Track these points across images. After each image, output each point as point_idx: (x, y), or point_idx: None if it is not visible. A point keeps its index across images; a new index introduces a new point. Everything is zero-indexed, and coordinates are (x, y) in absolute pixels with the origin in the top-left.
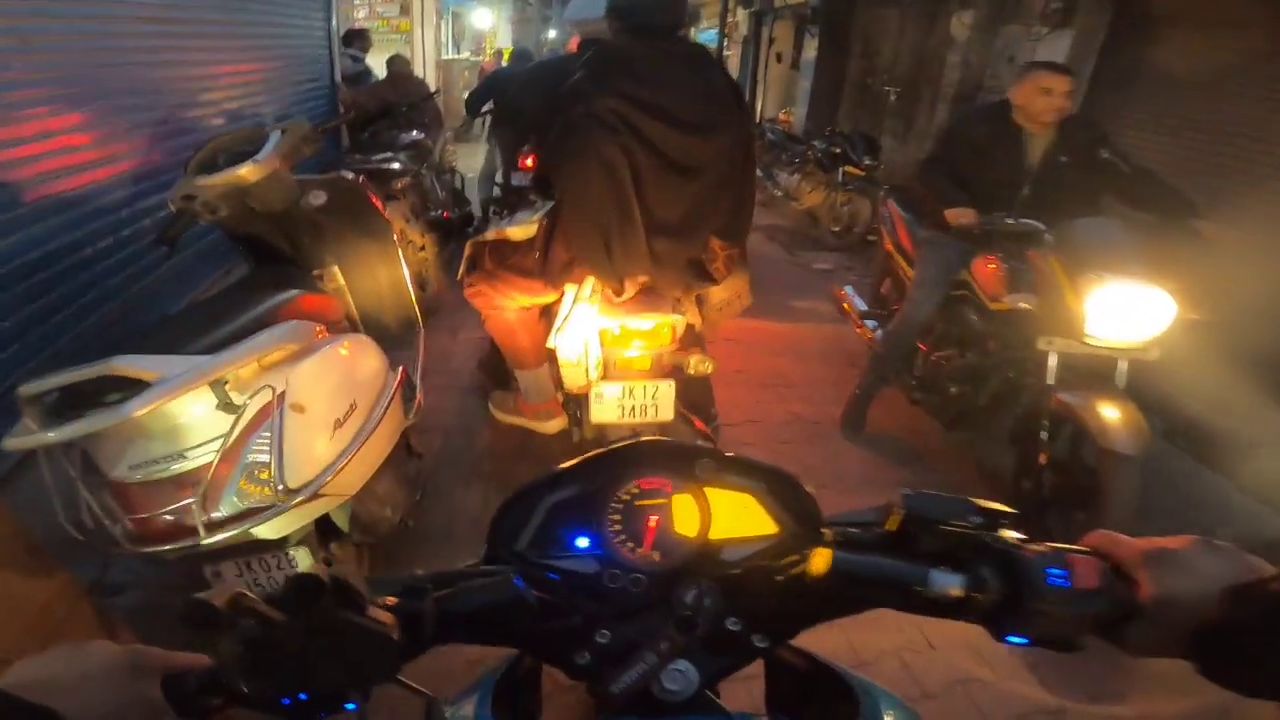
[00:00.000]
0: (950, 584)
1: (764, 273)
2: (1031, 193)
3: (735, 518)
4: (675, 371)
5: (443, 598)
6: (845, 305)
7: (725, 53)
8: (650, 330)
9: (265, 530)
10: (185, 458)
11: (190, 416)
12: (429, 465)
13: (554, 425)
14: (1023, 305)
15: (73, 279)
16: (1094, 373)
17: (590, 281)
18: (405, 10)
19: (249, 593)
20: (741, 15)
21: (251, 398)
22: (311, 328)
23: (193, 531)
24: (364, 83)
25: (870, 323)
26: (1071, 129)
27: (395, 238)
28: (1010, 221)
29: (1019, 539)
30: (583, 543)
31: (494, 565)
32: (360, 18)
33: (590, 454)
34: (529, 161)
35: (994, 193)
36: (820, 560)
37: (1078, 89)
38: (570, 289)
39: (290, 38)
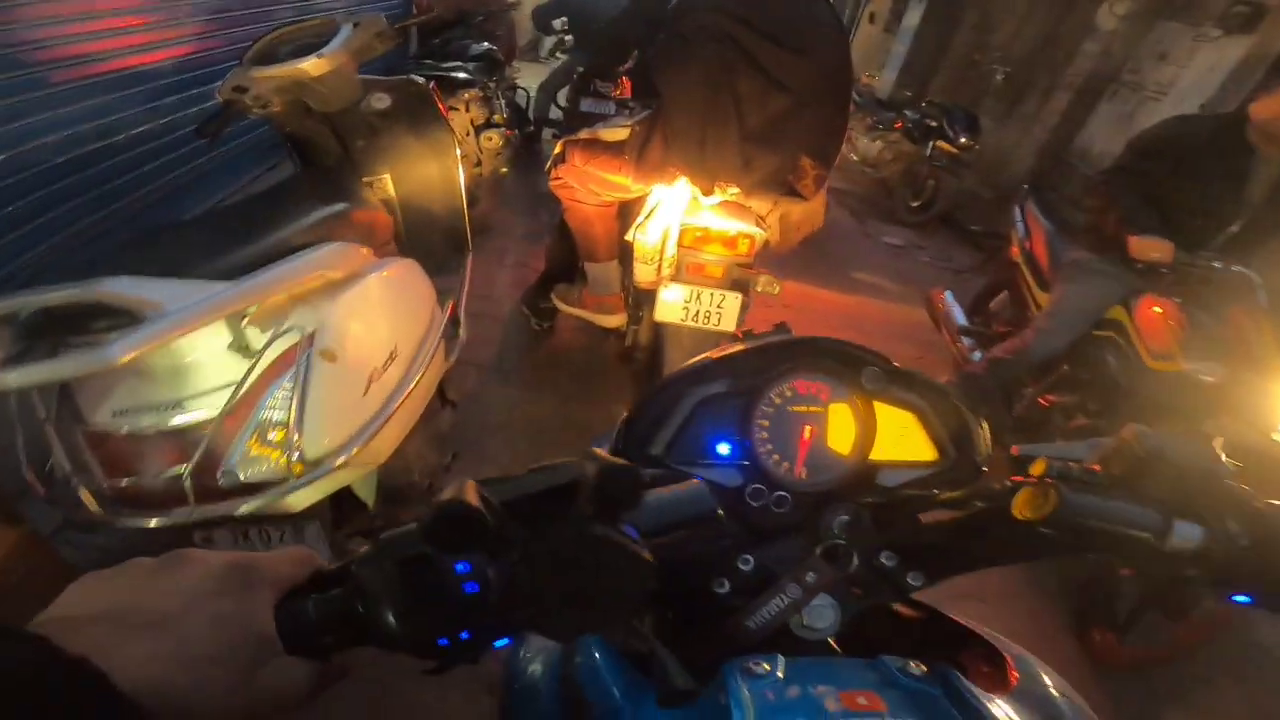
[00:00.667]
0: (1193, 536)
1: (830, 239)
2: (1243, 231)
3: (896, 439)
4: (744, 285)
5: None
6: (939, 310)
7: None
8: (730, 236)
9: (271, 506)
10: (183, 409)
11: (196, 356)
12: (462, 415)
13: (615, 320)
14: (1203, 376)
15: (97, 163)
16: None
17: (681, 180)
18: None
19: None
20: None
21: (274, 339)
22: (358, 251)
23: (182, 500)
24: None
25: (967, 340)
26: None
27: (456, 151)
28: (1217, 265)
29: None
30: (724, 449)
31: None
32: None
33: (743, 345)
34: (626, 88)
35: (1196, 223)
36: (1041, 499)
37: None
38: (658, 186)
39: None
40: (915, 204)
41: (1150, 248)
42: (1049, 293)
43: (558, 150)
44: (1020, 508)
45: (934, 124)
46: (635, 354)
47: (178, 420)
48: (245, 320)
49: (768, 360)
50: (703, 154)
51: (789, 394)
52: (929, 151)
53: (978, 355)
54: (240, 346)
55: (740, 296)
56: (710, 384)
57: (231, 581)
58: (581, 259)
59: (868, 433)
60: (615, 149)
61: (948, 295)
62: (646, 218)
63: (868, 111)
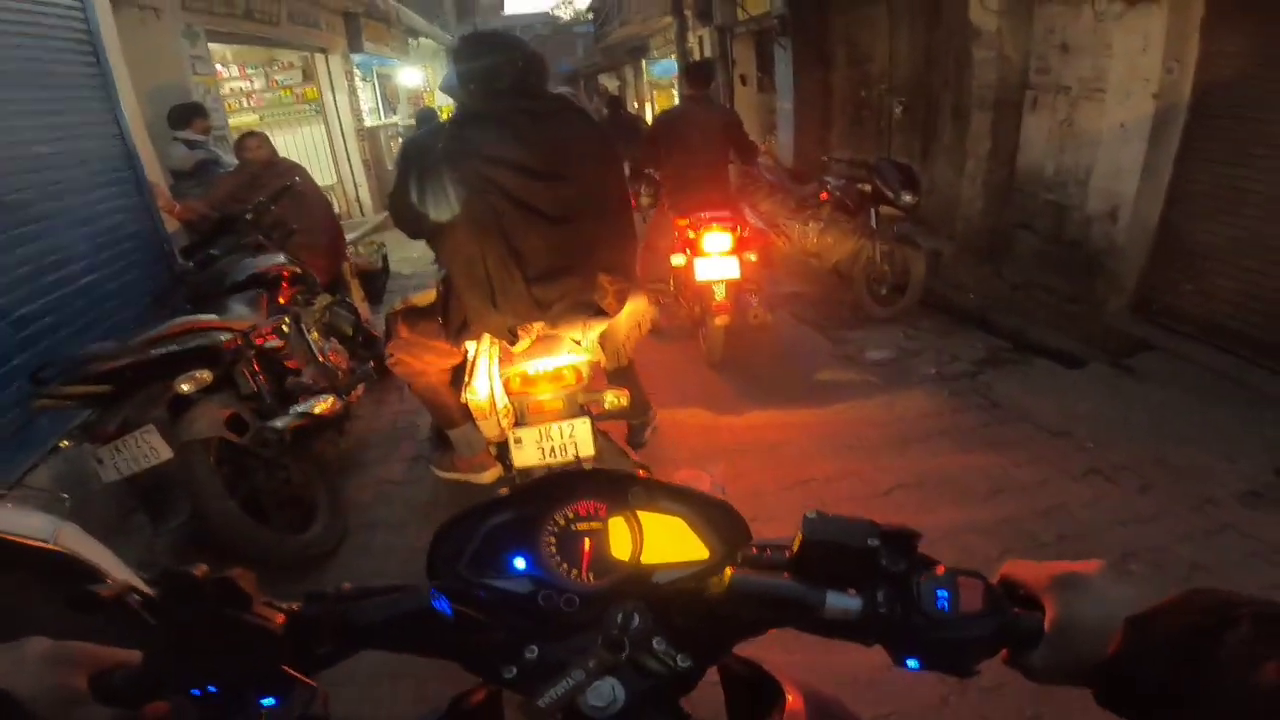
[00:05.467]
0: (848, 606)
1: (800, 371)
2: None
3: (669, 541)
4: (591, 407)
5: (348, 607)
6: None
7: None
8: (552, 373)
9: None
10: None
11: None
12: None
13: (490, 475)
14: None
15: None
16: None
17: (487, 336)
18: (309, 76)
19: (142, 585)
20: (704, 33)
21: None
22: None
23: None
24: (209, 175)
25: None
26: None
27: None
28: None
29: (918, 559)
30: (520, 564)
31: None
32: (257, 89)
33: (529, 481)
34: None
35: None
36: (720, 581)
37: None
38: (471, 345)
39: (35, 139)
40: (884, 291)
41: None
42: None
43: (386, 326)
44: (716, 589)
45: (866, 187)
46: None
47: None
48: None
49: (552, 490)
50: (493, 307)
51: (572, 515)
52: (874, 223)
53: None
54: None
55: (589, 420)
56: (501, 514)
57: (53, 657)
58: (442, 427)
59: (639, 541)
60: (429, 313)
61: None
62: (470, 377)
63: (785, 190)
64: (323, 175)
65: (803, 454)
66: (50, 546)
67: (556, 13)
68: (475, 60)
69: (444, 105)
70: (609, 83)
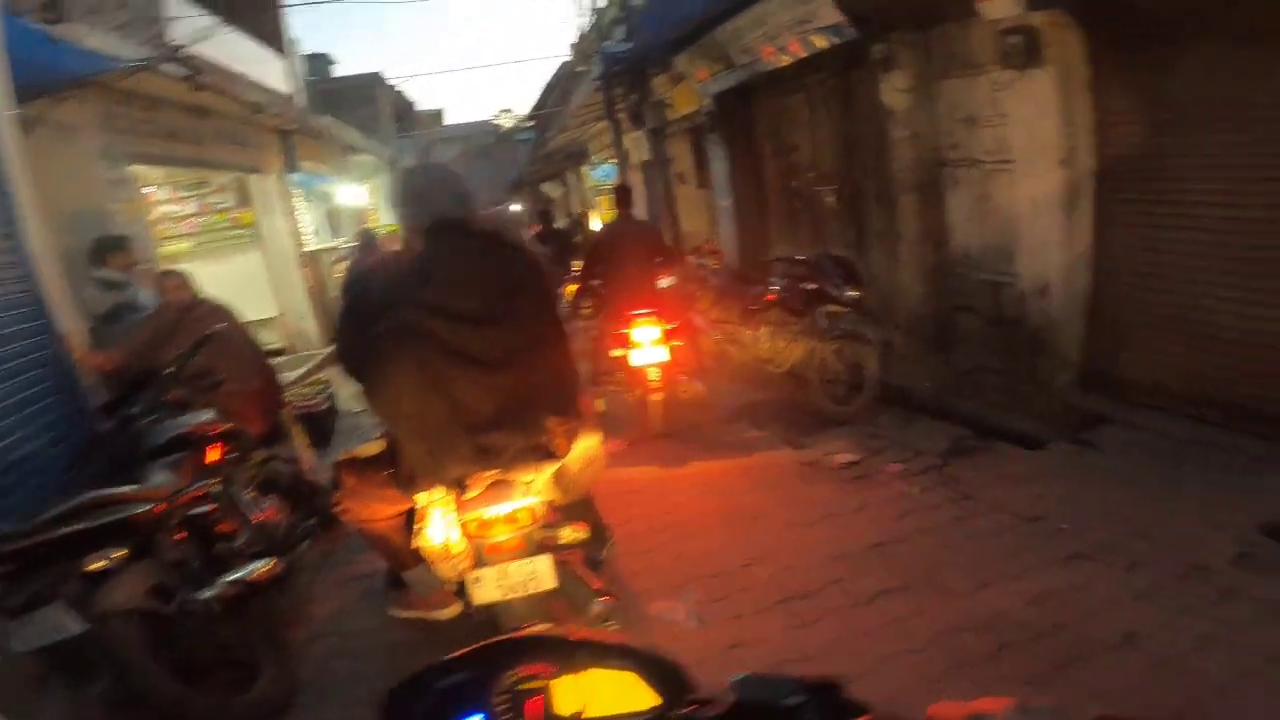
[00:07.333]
0: None
1: (767, 487)
2: None
3: (617, 693)
4: (551, 544)
5: None
6: None
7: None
8: (508, 516)
9: None
10: None
11: None
12: None
13: (449, 613)
14: None
15: None
16: None
17: (438, 486)
18: (244, 198)
19: None
20: (636, 136)
21: None
22: None
23: None
24: (126, 320)
25: None
26: None
27: None
28: None
29: (846, 706)
30: None
31: None
32: (188, 213)
33: (476, 645)
34: None
35: None
36: None
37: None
38: (422, 495)
39: None
40: (841, 391)
41: None
42: None
43: (332, 475)
44: None
45: (809, 285)
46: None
47: None
48: None
49: (499, 653)
50: (436, 460)
51: (521, 675)
52: (821, 322)
53: None
54: None
55: (549, 557)
56: (451, 676)
57: None
58: (396, 570)
59: (585, 698)
60: (377, 463)
61: None
62: (422, 524)
63: (732, 294)
64: (262, 306)
65: (781, 570)
66: None
67: (498, 121)
68: (410, 197)
69: (387, 225)
70: (552, 190)
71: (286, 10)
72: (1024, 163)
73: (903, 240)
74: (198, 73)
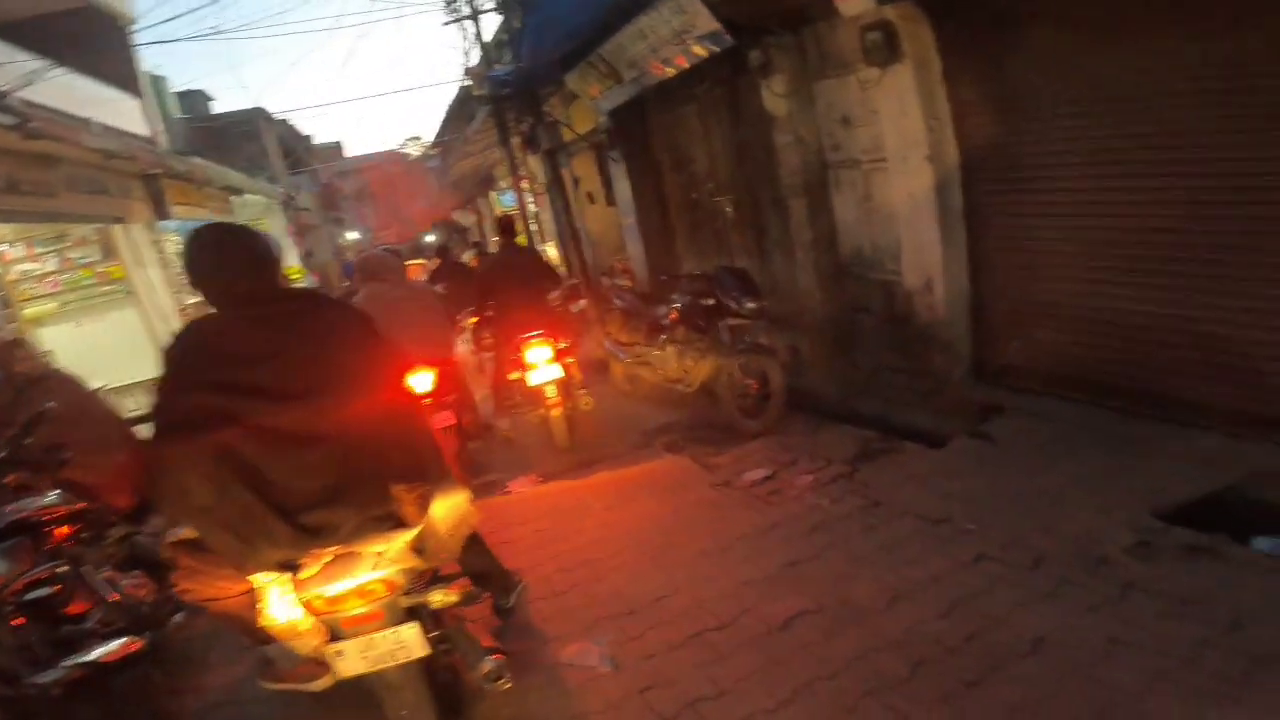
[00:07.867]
0: None
1: (680, 514)
2: None
3: None
4: (418, 610)
5: None
6: None
7: (531, 209)
8: (357, 590)
9: None
10: None
11: None
12: None
13: (321, 684)
14: None
15: None
16: None
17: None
18: (111, 251)
19: None
20: (533, 162)
21: None
22: None
23: None
24: None
25: None
26: None
27: None
28: None
29: None
30: None
31: None
32: (48, 270)
33: None
34: None
35: None
36: None
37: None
38: (255, 577)
39: None
40: (751, 403)
41: None
42: None
43: (166, 556)
44: None
45: (709, 301)
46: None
47: None
48: None
49: None
50: (249, 547)
51: None
52: (724, 337)
53: None
54: None
55: (416, 625)
56: None
57: None
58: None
59: None
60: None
61: None
62: (262, 604)
63: (638, 314)
64: (142, 366)
65: (694, 603)
66: None
67: (405, 150)
68: (196, 267)
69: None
70: (463, 218)
71: (139, 49)
72: (896, 160)
73: (798, 245)
74: (26, 120)
